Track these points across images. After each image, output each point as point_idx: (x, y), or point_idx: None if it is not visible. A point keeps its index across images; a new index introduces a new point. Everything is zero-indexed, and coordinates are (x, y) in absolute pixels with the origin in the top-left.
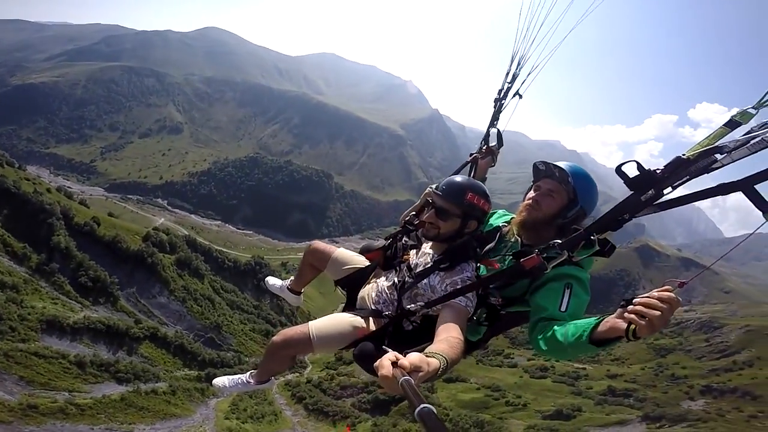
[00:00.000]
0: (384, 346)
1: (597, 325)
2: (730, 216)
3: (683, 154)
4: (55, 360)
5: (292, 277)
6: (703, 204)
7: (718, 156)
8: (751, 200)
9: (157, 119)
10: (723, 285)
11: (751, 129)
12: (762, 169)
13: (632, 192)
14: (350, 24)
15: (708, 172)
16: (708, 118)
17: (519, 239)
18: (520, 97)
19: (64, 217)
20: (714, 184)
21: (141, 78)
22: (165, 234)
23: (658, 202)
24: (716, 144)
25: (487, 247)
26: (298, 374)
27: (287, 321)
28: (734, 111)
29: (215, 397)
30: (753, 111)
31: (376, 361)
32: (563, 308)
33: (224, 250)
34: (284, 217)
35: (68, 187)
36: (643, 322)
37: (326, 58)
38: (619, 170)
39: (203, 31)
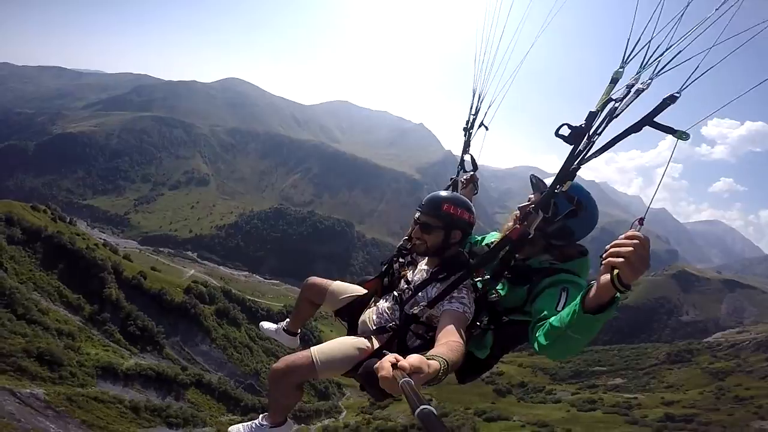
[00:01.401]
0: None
1: (585, 295)
2: (767, 231)
3: (593, 109)
4: (113, 405)
5: (288, 320)
6: (735, 223)
7: (615, 105)
8: (658, 129)
9: (185, 170)
10: None
11: (629, 82)
12: (655, 106)
13: (572, 146)
14: (360, 72)
15: (614, 118)
16: (722, 134)
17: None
18: (486, 128)
19: (114, 272)
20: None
21: (170, 129)
22: (204, 286)
23: (593, 149)
24: (610, 96)
25: (480, 258)
26: (333, 419)
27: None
28: (747, 123)
29: None
30: (621, 69)
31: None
32: (560, 308)
33: (256, 299)
34: (309, 267)
35: (104, 239)
36: (621, 259)
37: (339, 106)
38: (557, 133)
39: (224, 82)
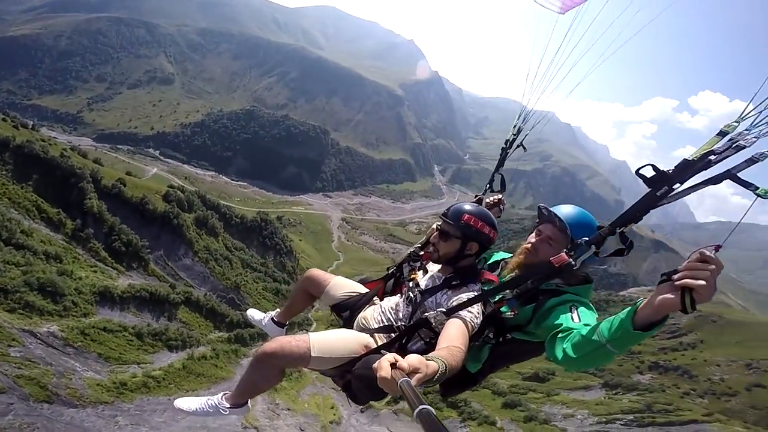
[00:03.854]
0: (383, 350)
1: (636, 311)
2: (706, 202)
3: (689, 157)
4: (119, 333)
5: (278, 309)
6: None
7: (712, 158)
8: (738, 183)
9: (147, 70)
10: None
11: (732, 137)
12: (741, 161)
13: (649, 189)
14: None
15: (705, 170)
16: (707, 107)
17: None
18: (524, 149)
19: (92, 180)
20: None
21: (131, 29)
22: (181, 192)
23: (670, 195)
24: (711, 148)
25: (513, 279)
26: (305, 331)
27: (289, 278)
28: (736, 101)
29: (247, 358)
30: (736, 123)
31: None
32: (576, 320)
33: (231, 205)
34: (279, 170)
35: (54, 137)
36: (701, 282)
37: (326, 12)
38: (638, 173)
39: None
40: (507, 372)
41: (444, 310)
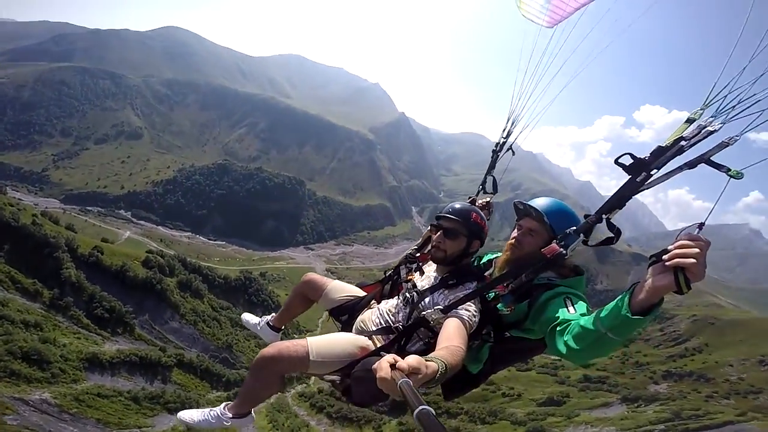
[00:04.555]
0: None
1: (631, 296)
2: (672, 210)
3: (662, 143)
4: (115, 398)
5: (273, 314)
6: (647, 199)
7: (683, 143)
8: (713, 167)
9: (114, 124)
10: None
11: (699, 124)
12: (713, 146)
13: (629, 176)
14: (314, 25)
15: (679, 154)
16: (651, 120)
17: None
18: (513, 153)
19: (68, 248)
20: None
21: (96, 80)
22: (161, 257)
23: (649, 181)
24: (681, 134)
25: (488, 272)
26: (305, 384)
27: (283, 334)
28: (674, 112)
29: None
30: (701, 110)
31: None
32: (572, 311)
33: (213, 266)
34: (257, 226)
35: (20, 199)
36: (692, 260)
37: (291, 59)
38: (617, 162)
39: (161, 31)
40: (520, 401)
41: (441, 307)
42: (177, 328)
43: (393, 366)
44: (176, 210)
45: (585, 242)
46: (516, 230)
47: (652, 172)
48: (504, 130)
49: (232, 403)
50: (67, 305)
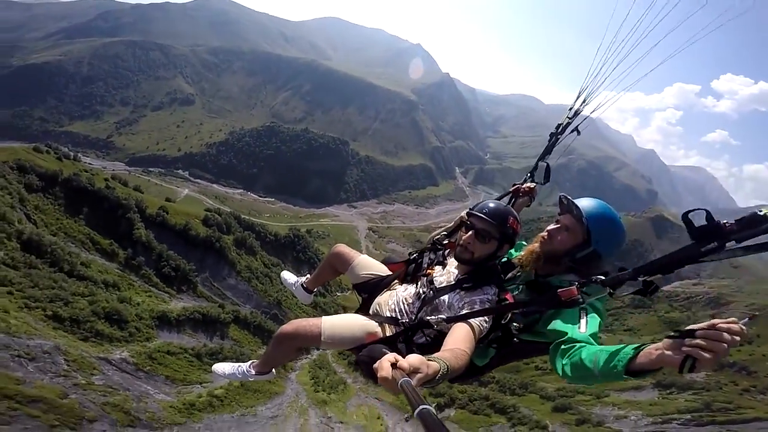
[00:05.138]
0: (383, 349)
1: (636, 355)
2: (746, 185)
3: (759, 211)
4: (181, 355)
5: (308, 275)
6: (718, 172)
7: None
8: None
9: (167, 92)
10: (732, 259)
11: None
12: None
13: (694, 242)
14: None
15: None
16: (733, 89)
17: (533, 270)
18: (578, 133)
19: (138, 209)
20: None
21: (146, 52)
22: (219, 215)
23: (719, 253)
24: None
25: (510, 274)
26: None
27: (326, 291)
28: (761, 83)
29: (294, 372)
30: None
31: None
32: (582, 329)
33: (264, 222)
34: (304, 184)
35: (90, 163)
36: (708, 356)
37: (331, 23)
38: (685, 218)
39: (201, 2)
40: (553, 375)
41: (445, 317)
42: (233, 284)
43: (394, 365)
44: (229, 169)
45: (610, 294)
46: (553, 224)
47: (728, 244)
48: (571, 109)
49: (257, 362)
50: (139, 264)
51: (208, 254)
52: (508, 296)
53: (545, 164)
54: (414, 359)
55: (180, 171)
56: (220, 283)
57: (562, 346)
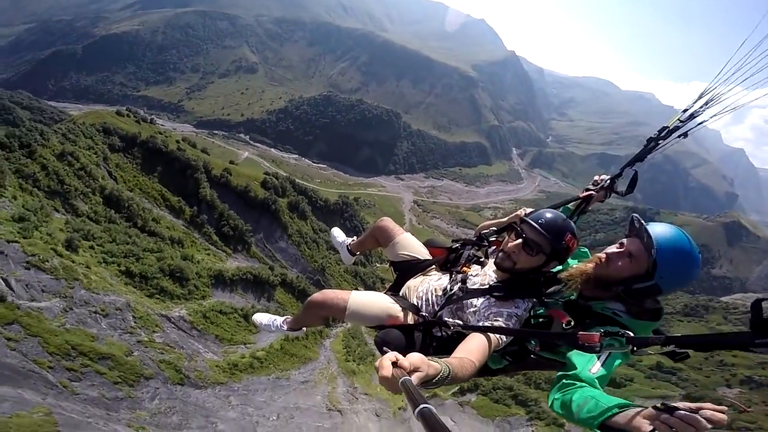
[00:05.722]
0: (386, 348)
1: (615, 414)
2: None
3: None
4: (231, 315)
5: (355, 237)
6: None
7: None
8: None
9: (233, 60)
10: None
11: None
12: None
13: (751, 330)
14: None
15: None
16: None
17: (577, 289)
18: (685, 136)
19: (204, 170)
20: None
21: (214, 21)
22: (276, 178)
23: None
24: None
25: (552, 289)
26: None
27: (367, 261)
28: None
29: (329, 339)
30: None
31: (395, 349)
32: (594, 370)
33: (316, 188)
34: (354, 153)
35: (162, 125)
36: None
37: None
38: (756, 305)
39: None
40: None
41: (461, 324)
42: (284, 247)
43: (395, 364)
44: (286, 135)
45: (632, 351)
46: (616, 246)
47: None
48: (684, 111)
49: (290, 318)
50: (202, 222)
51: (263, 216)
52: (557, 313)
53: (634, 171)
54: (415, 358)
55: (242, 135)
56: (272, 246)
57: (564, 380)
